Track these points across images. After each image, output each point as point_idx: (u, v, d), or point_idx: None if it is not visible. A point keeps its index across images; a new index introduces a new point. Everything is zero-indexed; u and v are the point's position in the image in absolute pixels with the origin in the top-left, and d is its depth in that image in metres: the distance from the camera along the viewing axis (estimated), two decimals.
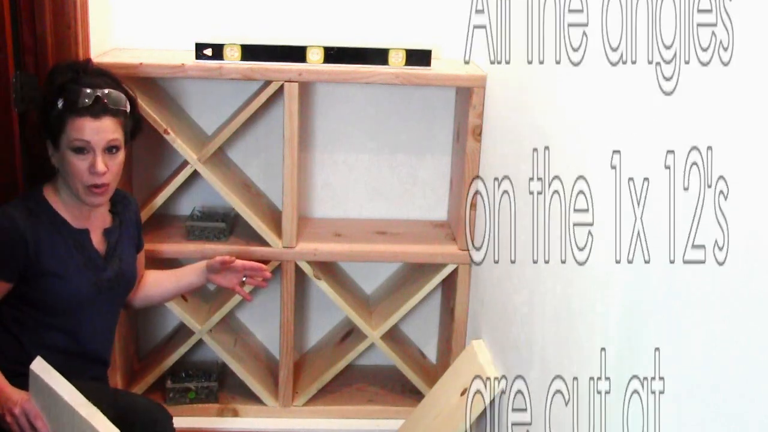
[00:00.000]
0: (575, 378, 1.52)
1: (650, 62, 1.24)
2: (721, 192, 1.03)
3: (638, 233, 1.27)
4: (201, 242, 2.39)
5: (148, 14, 2.41)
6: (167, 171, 2.55)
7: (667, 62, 1.19)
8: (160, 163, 2.55)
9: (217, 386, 2.55)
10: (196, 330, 2.45)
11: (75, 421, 1.65)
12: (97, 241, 1.93)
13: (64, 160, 1.83)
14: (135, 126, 1.96)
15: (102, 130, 1.82)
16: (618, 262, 1.34)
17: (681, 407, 1.12)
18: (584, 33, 1.54)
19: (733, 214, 1.00)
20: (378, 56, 2.28)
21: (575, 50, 1.59)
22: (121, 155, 1.87)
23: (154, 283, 2.17)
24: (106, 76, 1.92)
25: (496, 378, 2.07)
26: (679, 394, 1.13)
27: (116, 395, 2.00)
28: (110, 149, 1.84)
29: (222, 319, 2.48)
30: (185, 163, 2.33)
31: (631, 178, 1.30)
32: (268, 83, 2.26)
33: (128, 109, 1.89)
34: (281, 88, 2.25)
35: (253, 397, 2.54)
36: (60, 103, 1.81)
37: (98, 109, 1.82)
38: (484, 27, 1.85)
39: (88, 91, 1.81)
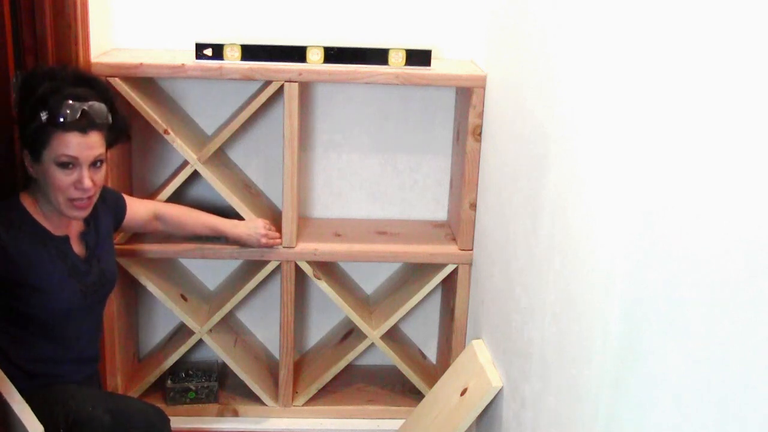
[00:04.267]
0: (575, 377, 1.53)
1: (650, 61, 1.24)
2: (722, 191, 1.03)
3: (638, 233, 1.27)
4: (201, 242, 2.39)
5: (148, 14, 2.41)
6: (167, 171, 2.55)
7: (668, 61, 1.19)
8: (160, 163, 2.55)
9: (217, 386, 2.55)
10: (196, 330, 2.45)
11: (12, 416, 1.66)
12: (77, 246, 1.91)
13: (46, 173, 1.77)
14: (119, 131, 1.92)
15: (89, 146, 1.78)
16: (618, 262, 1.34)
17: (681, 407, 1.12)
18: (584, 33, 1.54)
19: (733, 213, 1.00)
20: (378, 56, 2.28)
21: (575, 50, 1.59)
22: (104, 168, 1.85)
23: (179, 226, 2.29)
24: (87, 84, 1.86)
25: (495, 378, 2.07)
26: (679, 393, 1.13)
27: (112, 399, 1.99)
28: (95, 163, 1.81)
29: (222, 319, 2.48)
30: (185, 163, 2.33)
31: (631, 178, 1.30)
32: (268, 83, 2.26)
33: (110, 121, 1.85)
34: (281, 88, 2.25)
35: (253, 397, 2.54)
36: (44, 116, 1.74)
37: (85, 123, 1.77)
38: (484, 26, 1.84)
39: (74, 104, 1.75)
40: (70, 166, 1.77)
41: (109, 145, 1.88)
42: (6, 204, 1.83)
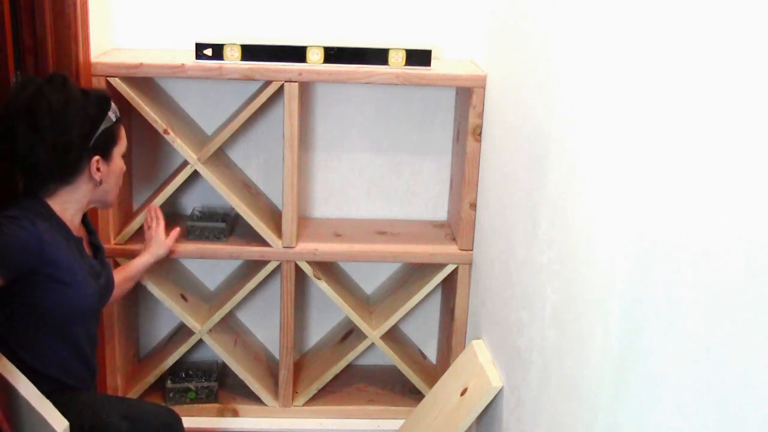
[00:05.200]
0: (575, 378, 1.53)
1: (650, 61, 1.24)
2: (722, 191, 1.03)
3: (638, 233, 1.27)
4: (201, 242, 2.39)
5: (148, 14, 2.41)
6: (167, 171, 2.55)
7: (668, 61, 1.19)
8: (160, 163, 2.56)
9: (217, 386, 2.55)
10: (196, 330, 2.45)
11: (31, 414, 1.65)
12: (87, 250, 1.93)
13: (115, 170, 1.89)
14: None
15: None
16: (618, 262, 1.34)
17: (681, 407, 1.12)
18: (584, 33, 1.55)
19: (733, 213, 1.00)
20: (378, 56, 2.28)
21: (575, 50, 1.59)
22: None
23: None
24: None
25: (495, 378, 2.07)
26: (679, 393, 1.13)
27: (125, 404, 2.00)
28: None
29: (222, 319, 2.48)
30: (185, 163, 2.33)
31: (631, 178, 1.30)
32: (268, 83, 2.26)
33: None
34: (281, 88, 2.25)
35: (253, 397, 2.55)
36: (113, 115, 1.86)
37: None
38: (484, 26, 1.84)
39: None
40: None
41: None
42: (30, 202, 1.82)
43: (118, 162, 1.90)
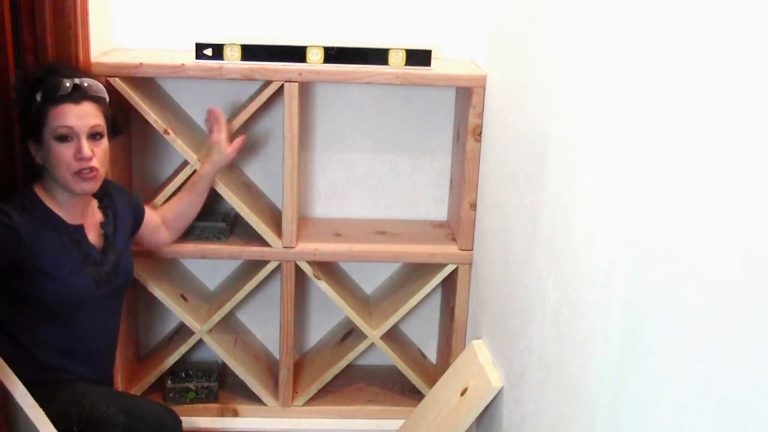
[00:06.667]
0: (575, 378, 1.53)
1: (651, 61, 1.24)
2: (722, 191, 1.03)
3: (638, 232, 1.27)
4: (201, 242, 2.39)
5: (148, 14, 2.41)
6: (167, 171, 2.55)
7: (668, 61, 1.19)
8: (160, 163, 2.55)
9: (217, 386, 2.55)
10: (196, 330, 2.45)
11: (26, 421, 1.65)
12: (93, 236, 1.93)
13: (50, 153, 1.80)
14: (115, 123, 1.95)
15: (84, 115, 1.80)
16: (618, 262, 1.34)
17: (681, 407, 1.12)
18: (584, 33, 1.54)
19: (733, 213, 1.00)
20: (378, 56, 2.28)
21: (575, 50, 1.59)
22: (105, 143, 1.86)
23: (178, 216, 2.25)
24: (80, 71, 1.94)
25: (495, 378, 2.07)
26: (679, 393, 1.13)
27: (125, 399, 2.00)
28: (94, 135, 1.82)
29: (222, 319, 2.48)
30: (185, 163, 2.33)
31: (631, 178, 1.30)
32: (268, 83, 2.26)
33: (107, 98, 1.90)
34: (281, 88, 2.25)
35: (253, 397, 2.55)
36: (39, 96, 1.78)
37: (78, 95, 1.81)
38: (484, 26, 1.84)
39: (65, 80, 1.81)
40: (68, 138, 1.79)
41: (110, 125, 1.90)
42: (19, 193, 1.86)
43: (50, 145, 1.80)
